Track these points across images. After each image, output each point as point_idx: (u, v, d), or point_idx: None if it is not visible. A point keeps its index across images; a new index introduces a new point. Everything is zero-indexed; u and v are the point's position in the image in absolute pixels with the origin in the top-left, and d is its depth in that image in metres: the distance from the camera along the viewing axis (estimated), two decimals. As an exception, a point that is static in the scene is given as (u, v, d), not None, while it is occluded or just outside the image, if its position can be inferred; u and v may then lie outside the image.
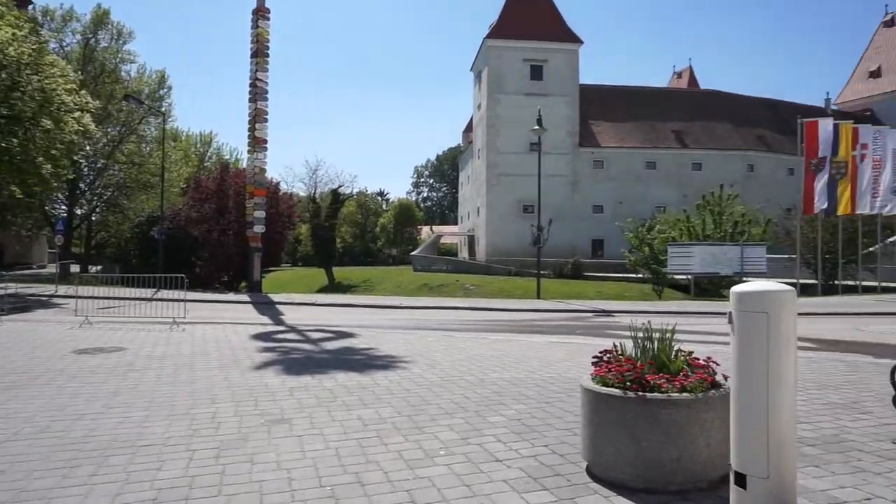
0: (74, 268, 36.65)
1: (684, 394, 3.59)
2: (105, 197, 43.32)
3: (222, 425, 5.21)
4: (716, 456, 3.60)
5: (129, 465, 4.16)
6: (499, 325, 15.19)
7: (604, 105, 50.76)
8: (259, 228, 24.68)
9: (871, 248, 27.98)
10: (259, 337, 11.27)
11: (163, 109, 43.14)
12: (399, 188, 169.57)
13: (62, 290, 21.91)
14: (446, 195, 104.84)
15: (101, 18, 41.36)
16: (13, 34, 22.71)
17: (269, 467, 4.14)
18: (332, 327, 12.92)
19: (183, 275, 14.56)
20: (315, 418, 5.44)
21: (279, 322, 14.84)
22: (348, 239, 67.01)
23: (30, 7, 37.32)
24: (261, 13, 24.14)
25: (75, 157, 31.52)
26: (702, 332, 12.19)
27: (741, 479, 3.14)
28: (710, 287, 28.86)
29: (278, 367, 8.12)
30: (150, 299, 15.18)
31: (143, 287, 16.09)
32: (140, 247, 32.50)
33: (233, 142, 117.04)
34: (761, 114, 54.91)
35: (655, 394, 3.60)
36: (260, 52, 24.29)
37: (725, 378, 3.79)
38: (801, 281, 26.35)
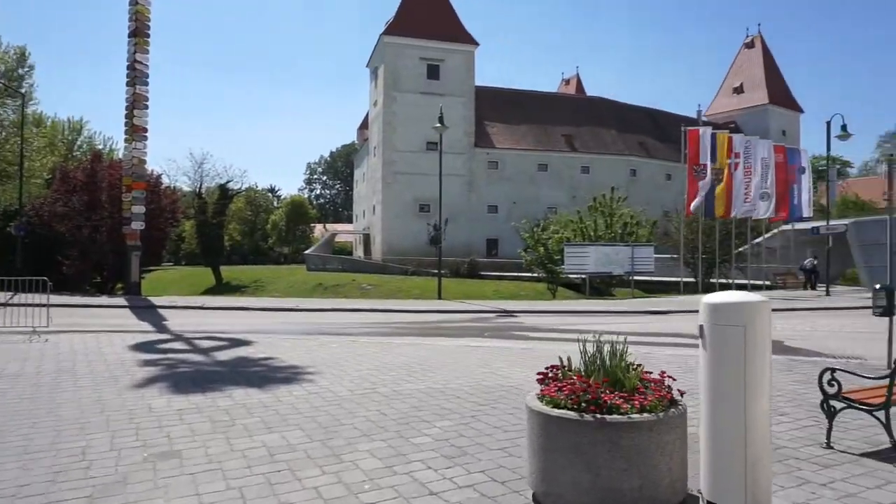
0: None
1: (644, 414, 3.26)
2: (-52, 187, 38.14)
3: (94, 464, 4.29)
4: (676, 480, 3.30)
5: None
6: (403, 327, 14.67)
7: (498, 107, 51.67)
8: (138, 225, 22.71)
9: (740, 249, 30.45)
10: (139, 348, 10.00)
11: (22, 91, 38.62)
12: (291, 185, 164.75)
13: None
14: (340, 193, 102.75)
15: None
16: None
17: (157, 520, 3.37)
18: (224, 334, 11.81)
19: (45, 277, 12.83)
20: (211, 449, 4.65)
21: (162, 329, 13.43)
22: (237, 237, 64.07)
23: None
24: (140, -11, 22.09)
25: None
26: (614, 332, 12.29)
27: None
28: (602, 286, 30.14)
29: (163, 384, 7.12)
30: (5, 305, 13.18)
31: (-5, 291, 13.98)
32: (-6, 244, 28.86)
33: (108, 130, 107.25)
34: (643, 122, 58.26)
35: (615, 416, 3.24)
36: (139, 32, 22.24)
37: (681, 394, 3.52)
38: (683, 280, 28.17)
